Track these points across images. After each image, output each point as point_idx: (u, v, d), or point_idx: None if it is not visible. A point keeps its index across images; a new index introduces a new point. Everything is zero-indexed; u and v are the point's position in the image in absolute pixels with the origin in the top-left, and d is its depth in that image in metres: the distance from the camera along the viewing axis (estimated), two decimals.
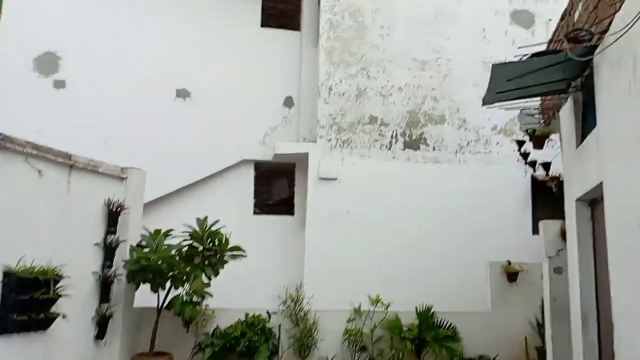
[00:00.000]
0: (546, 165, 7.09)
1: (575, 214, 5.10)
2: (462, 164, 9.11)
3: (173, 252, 7.12)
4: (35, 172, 5.71)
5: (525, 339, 7.62)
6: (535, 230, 7.89)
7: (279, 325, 7.72)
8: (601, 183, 4.11)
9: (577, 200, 5.05)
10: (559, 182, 6.49)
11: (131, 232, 7.17)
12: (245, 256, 7.44)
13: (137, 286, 7.14)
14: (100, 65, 9.14)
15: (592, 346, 4.89)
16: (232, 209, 9.25)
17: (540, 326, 7.32)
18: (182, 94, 9.48)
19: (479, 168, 9.04)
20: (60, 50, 9.17)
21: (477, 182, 8.92)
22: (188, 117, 9.39)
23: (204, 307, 7.46)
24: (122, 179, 7.17)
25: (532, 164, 7.44)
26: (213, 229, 7.31)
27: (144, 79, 9.21)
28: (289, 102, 9.84)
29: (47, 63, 9.13)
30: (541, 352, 7.05)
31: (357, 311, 7.79)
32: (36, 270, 5.53)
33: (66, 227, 6.18)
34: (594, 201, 4.92)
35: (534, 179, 8.69)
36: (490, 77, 4.57)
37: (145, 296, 7.35)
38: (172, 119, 9.29)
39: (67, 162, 6.18)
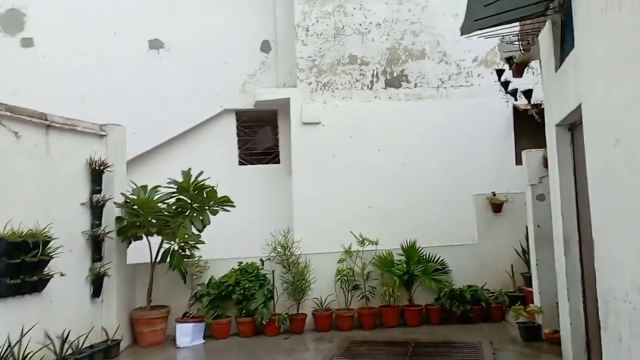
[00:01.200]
0: (527, 94, 7.08)
1: (555, 140, 5.15)
2: (445, 98, 9.09)
3: (161, 205, 7.13)
4: (11, 134, 5.60)
5: (512, 266, 7.85)
6: (519, 161, 7.99)
7: (272, 272, 7.86)
8: (580, 105, 4.12)
9: (557, 125, 5.08)
10: (540, 109, 6.50)
11: (117, 190, 7.13)
12: (234, 206, 7.46)
13: (129, 243, 7.18)
14: (67, 20, 8.83)
15: (574, 267, 5.05)
16: (217, 161, 9.22)
17: (526, 253, 7.53)
18: (155, 44, 9.23)
19: (461, 102, 9.03)
20: (24, 7, 8.80)
21: (460, 116, 8.94)
22: (164, 69, 9.19)
23: (197, 258, 7.55)
24: (102, 136, 7.06)
25: (513, 93, 7.43)
26: (198, 180, 7.29)
27: (113, 31, 8.94)
28: (266, 46, 9.63)
29: (12, 20, 8.78)
30: (527, 278, 7.28)
31: (348, 252, 7.93)
32: (25, 233, 5.53)
33: (50, 189, 6.14)
34: (573, 125, 4.95)
35: (515, 109, 8.71)
36: (468, 4, 4.47)
37: (138, 252, 7.42)
38: (147, 72, 9.09)
39: (44, 122, 6.06)
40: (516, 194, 7.96)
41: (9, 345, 5.26)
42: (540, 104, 6.62)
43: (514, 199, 8.10)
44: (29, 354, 5.43)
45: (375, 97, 9.09)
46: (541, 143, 6.01)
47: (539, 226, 6.49)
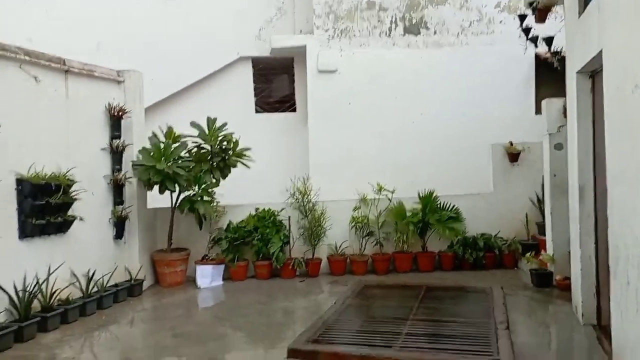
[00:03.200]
0: (548, 41, 6.89)
1: (575, 87, 5.06)
2: (465, 46, 8.89)
3: (182, 153, 7.24)
4: (31, 79, 5.68)
5: (526, 215, 7.89)
6: (538, 110, 7.88)
7: (289, 217, 8.02)
8: (601, 51, 4.03)
9: (578, 72, 4.98)
10: (561, 57, 6.35)
11: (136, 136, 7.26)
12: (253, 161, 7.58)
13: (149, 188, 7.35)
14: None
15: (588, 215, 5.07)
16: (234, 108, 9.24)
17: (541, 202, 7.55)
18: None
19: (481, 50, 8.83)
20: None
21: (480, 65, 8.77)
22: (180, 15, 9.09)
23: (215, 204, 7.72)
24: (120, 82, 7.12)
25: (534, 40, 7.23)
26: (220, 128, 7.36)
27: None
28: None
29: None
30: (541, 227, 7.34)
31: (363, 199, 8.04)
32: (48, 176, 5.71)
33: (71, 134, 6.27)
34: (594, 72, 4.85)
35: (536, 57, 8.50)
36: None
37: (158, 197, 7.61)
38: (163, 19, 9.02)
39: (62, 67, 6.12)
40: (533, 143, 7.91)
41: (38, 283, 5.54)
42: (561, 52, 6.47)
43: (531, 148, 8.05)
44: (56, 290, 5.72)
45: (394, 45, 8.92)
46: (562, 92, 5.91)
47: (555, 175, 6.48)
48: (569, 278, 5.87)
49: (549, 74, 7.65)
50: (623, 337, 3.60)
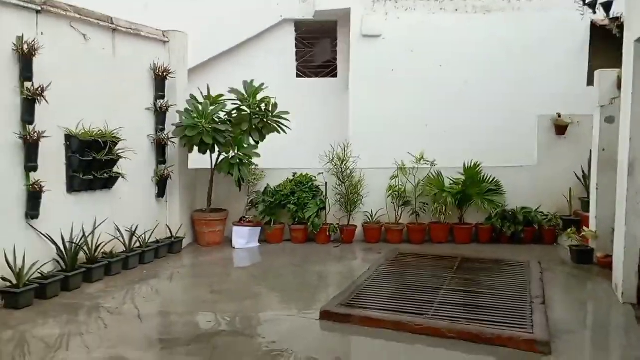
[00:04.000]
0: (606, 6, 6.49)
1: (633, 57, 4.79)
2: (516, 11, 8.50)
3: (222, 115, 7.31)
4: (80, 36, 5.81)
5: (570, 190, 7.65)
6: (591, 81, 7.52)
7: (326, 183, 8.05)
8: None
9: (637, 41, 4.71)
10: (620, 23, 5.99)
11: (179, 97, 7.36)
12: (290, 128, 7.59)
13: (190, 149, 7.47)
14: None
15: (636, 192, 4.87)
16: (274, 72, 9.22)
17: (586, 178, 7.30)
18: None
19: (533, 15, 8.41)
20: None
21: (531, 31, 8.38)
22: None
23: (253, 167, 7.81)
24: (165, 42, 7.20)
25: (592, 5, 6.82)
26: (260, 90, 7.38)
27: None
28: None
29: None
30: (585, 203, 7.11)
31: (401, 168, 7.96)
32: (95, 133, 5.89)
33: (117, 92, 6.42)
34: None
35: (593, 25, 8.07)
36: None
37: (199, 159, 7.75)
38: None
39: (110, 26, 6.22)
40: (583, 116, 7.59)
41: (84, 235, 5.79)
42: (620, 18, 6.10)
43: (580, 121, 7.74)
44: (101, 244, 5.98)
45: (441, 9, 8.63)
46: (616, 63, 5.61)
47: (603, 150, 6.23)
48: (610, 256, 5.71)
49: (604, 44, 7.26)
50: None
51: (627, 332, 4.28)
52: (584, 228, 6.62)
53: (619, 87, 5.71)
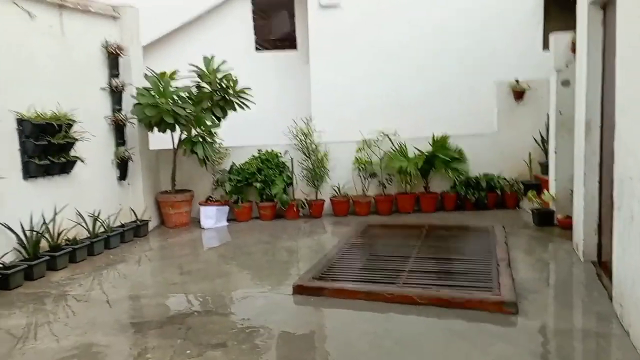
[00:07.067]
0: None
1: (587, 19, 4.88)
2: None
3: (182, 94, 7.12)
4: (25, 14, 5.50)
5: (530, 155, 7.84)
6: (546, 45, 7.66)
7: (291, 159, 8.00)
8: None
9: (590, 3, 4.80)
10: None
11: (135, 75, 7.13)
12: (254, 103, 7.45)
13: (151, 129, 7.27)
14: None
15: (593, 152, 5.03)
16: (233, 46, 9.04)
17: (545, 142, 7.49)
18: None
19: None
20: None
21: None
22: None
23: (217, 145, 7.68)
24: (116, 18, 6.92)
25: None
26: (220, 68, 7.20)
27: None
28: None
29: None
30: (544, 166, 7.31)
31: (366, 141, 7.98)
32: (49, 115, 5.65)
33: (68, 72, 6.15)
34: (606, 4, 4.66)
35: None
36: None
37: (161, 139, 7.56)
38: None
39: (56, 2, 5.92)
40: (540, 81, 7.74)
41: (44, 223, 5.60)
42: None
43: (538, 86, 7.89)
44: (63, 230, 5.79)
45: None
46: (570, 26, 5.72)
47: (560, 113, 6.38)
48: (570, 217, 5.91)
49: (558, 8, 7.39)
50: (624, 271, 3.65)
51: (588, 289, 4.46)
52: (544, 191, 6.82)
53: (574, 50, 5.82)
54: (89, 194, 6.40)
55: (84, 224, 6.19)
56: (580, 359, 3.36)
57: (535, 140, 7.81)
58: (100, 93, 6.72)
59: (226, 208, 7.69)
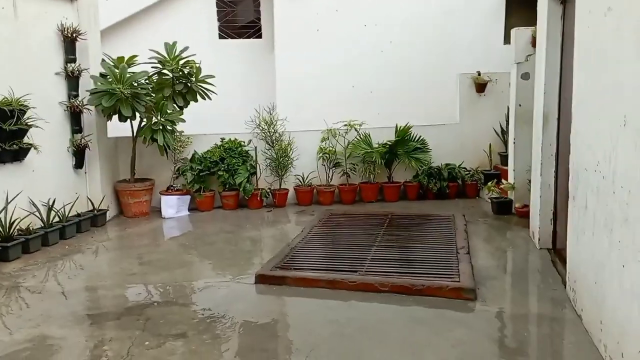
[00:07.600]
0: None
1: (546, 13, 4.99)
2: None
3: (142, 80, 6.92)
4: None
5: (490, 145, 8.00)
6: (507, 40, 7.80)
7: (255, 148, 7.92)
8: None
9: None
10: None
11: (92, 60, 6.89)
12: (215, 93, 7.32)
13: (109, 117, 7.05)
14: None
15: (550, 142, 5.17)
16: (196, 33, 8.86)
17: (504, 133, 7.65)
18: None
19: None
20: None
21: None
22: None
23: (178, 133, 7.52)
24: (73, 0, 6.65)
25: None
26: (182, 55, 7.04)
27: None
28: None
29: None
30: (504, 157, 7.47)
31: (331, 130, 7.97)
32: (0, 101, 5.40)
33: (22, 56, 5.91)
34: None
35: None
36: None
37: (120, 126, 7.34)
38: None
39: None
40: (501, 74, 7.90)
41: None
42: None
43: (499, 79, 8.05)
44: (16, 219, 5.57)
45: None
46: (531, 22, 5.84)
47: (520, 105, 6.53)
48: (527, 206, 6.07)
49: (519, 3, 7.54)
50: (577, 258, 3.77)
51: (543, 275, 4.60)
52: (503, 181, 6.97)
53: (534, 44, 5.96)
54: (43, 182, 6.17)
55: (37, 214, 5.97)
56: (536, 342, 3.46)
57: (496, 132, 7.97)
58: (55, 78, 6.47)
59: (188, 197, 7.57)
